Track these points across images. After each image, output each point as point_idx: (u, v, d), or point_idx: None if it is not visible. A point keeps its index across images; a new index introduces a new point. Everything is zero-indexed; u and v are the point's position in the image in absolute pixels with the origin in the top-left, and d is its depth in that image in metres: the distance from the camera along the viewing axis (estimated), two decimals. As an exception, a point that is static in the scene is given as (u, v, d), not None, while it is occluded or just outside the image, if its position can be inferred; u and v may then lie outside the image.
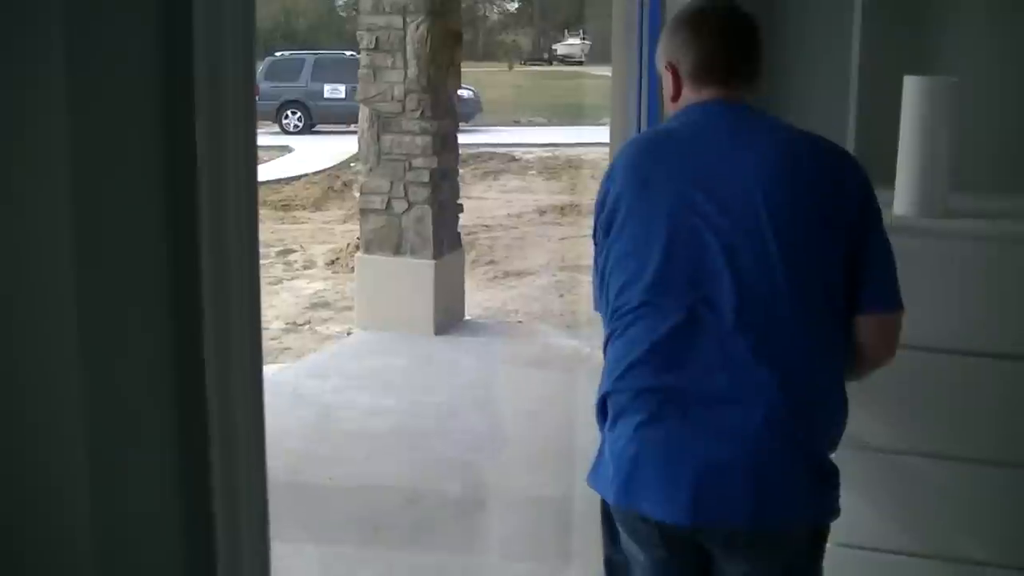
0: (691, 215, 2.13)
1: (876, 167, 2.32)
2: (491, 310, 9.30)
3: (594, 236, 2.33)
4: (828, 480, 2.16)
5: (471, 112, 23.85)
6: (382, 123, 7.50)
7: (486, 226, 13.05)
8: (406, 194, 7.48)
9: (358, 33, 7.57)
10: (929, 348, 2.76)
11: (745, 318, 2.07)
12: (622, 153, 2.35)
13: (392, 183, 7.51)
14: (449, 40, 7.60)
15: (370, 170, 7.61)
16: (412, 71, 7.35)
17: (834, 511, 2.18)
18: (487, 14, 56.62)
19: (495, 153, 19.91)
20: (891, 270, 2.18)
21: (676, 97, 2.31)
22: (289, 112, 23.90)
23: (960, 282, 2.80)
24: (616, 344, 2.21)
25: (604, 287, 2.26)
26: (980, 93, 3.08)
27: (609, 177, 2.31)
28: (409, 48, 7.33)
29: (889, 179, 2.84)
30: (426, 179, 7.45)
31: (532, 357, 7.17)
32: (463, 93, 23.91)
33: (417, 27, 7.28)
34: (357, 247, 8.70)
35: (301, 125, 23.81)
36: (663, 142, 2.32)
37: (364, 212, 7.72)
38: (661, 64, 2.35)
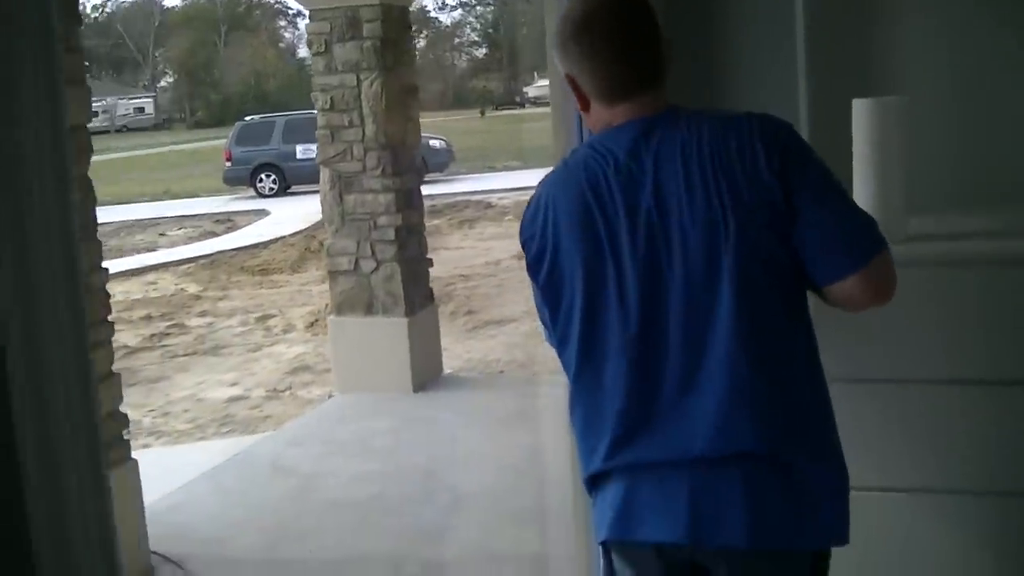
0: (632, 255, 2.05)
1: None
2: (472, 362, 9.21)
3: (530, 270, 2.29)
4: (824, 501, 2.07)
5: (444, 162, 23.93)
6: (344, 183, 7.40)
7: (463, 276, 12.98)
8: (373, 253, 7.37)
9: (312, 94, 7.49)
10: (900, 380, 2.67)
11: (693, 349, 2.01)
12: (548, 190, 2.25)
13: (359, 243, 7.40)
14: (405, 95, 7.51)
15: (335, 231, 7.50)
16: (370, 129, 7.25)
17: (832, 537, 2.09)
18: (455, 62, 56.94)
19: (470, 201, 19.89)
20: (848, 216, 2.03)
21: (586, 108, 2.19)
22: (263, 175, 23.95)
23: (927, 309, 2.69)
24: (582, 406, 2.17)
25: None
26: (932, 109, 2.98)
27: (538, 212, 2.26)
28: (365, 106, 7.24)
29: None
30: (392, 237, 7.34)
31: (513, 409, 7.02)
32: (434, 143, 24.12)
33: (371, 84, 7.19)
34: (334, 308, 8.60)
35: (276, 187, 23.82)
36: (589, 180, 2.13)
37: (333, 274, 7.60)
38: (561, 70, 2.21)
